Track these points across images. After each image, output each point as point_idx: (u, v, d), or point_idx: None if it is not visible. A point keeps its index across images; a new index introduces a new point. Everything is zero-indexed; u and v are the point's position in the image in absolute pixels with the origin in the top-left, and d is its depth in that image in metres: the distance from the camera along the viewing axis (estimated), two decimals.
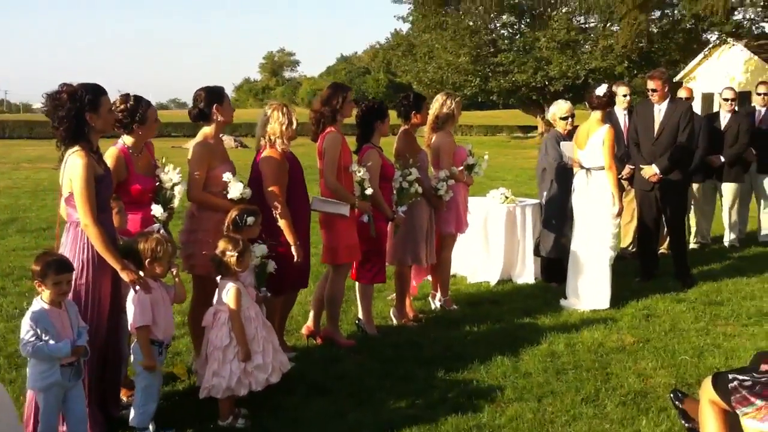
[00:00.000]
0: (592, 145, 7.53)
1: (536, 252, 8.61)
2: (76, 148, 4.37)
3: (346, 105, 6.22)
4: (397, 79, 72.11)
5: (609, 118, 8.11)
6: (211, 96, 5.52)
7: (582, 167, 7.68)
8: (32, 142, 39.50)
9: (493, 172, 23.40)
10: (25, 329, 4.08)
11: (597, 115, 7.64)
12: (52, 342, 4.04)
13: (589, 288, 7.60)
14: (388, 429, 4.67)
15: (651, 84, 8.48)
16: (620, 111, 9.52)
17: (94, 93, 4.40)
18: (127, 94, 5.14)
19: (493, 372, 5.68)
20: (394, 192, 6.69)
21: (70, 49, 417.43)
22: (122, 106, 5.03)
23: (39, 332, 4.05)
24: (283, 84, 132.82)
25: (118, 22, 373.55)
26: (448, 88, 41.19)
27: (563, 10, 43.40)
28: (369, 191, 6.24)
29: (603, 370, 5.73)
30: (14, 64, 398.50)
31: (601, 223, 7.58)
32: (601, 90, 7.66)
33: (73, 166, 4.33)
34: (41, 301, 4.13)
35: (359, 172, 6.20)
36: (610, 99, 7.74)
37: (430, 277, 7.76)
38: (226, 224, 5.08)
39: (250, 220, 5.07)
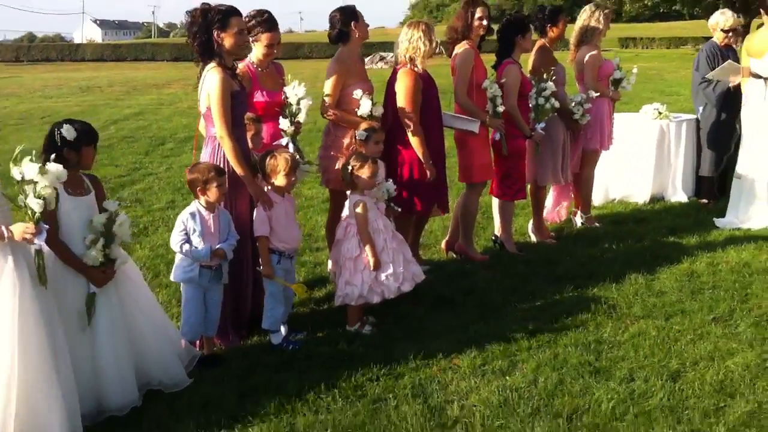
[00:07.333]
0: None
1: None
2: (213, 64, 4.66)
3: (475, 21, 6.16)
4: None
5: None
6: (347, 15, 5.67)
7: (759, 77, 7.15)
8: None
9: (668, 86, 22.23)
10: (178, 225, 4.55)
11: None
12: (196, 241, 4.48)
13: (756, 206, 7.22)
14: (508, 341, 4.78)
15: None
16: None
17: (224, 13, 4.64)
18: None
19: (624, 290, 5.61)
20: (531, 109, 6.59)
21: None
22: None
23: (188, 230, 4.50)
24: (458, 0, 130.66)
25: None
26: None
27: None
28: (501, 108, 6.20)
29: (743, 290, 5.50)
30: None
31: None
32: None
33: (210, 81, 4.63)
34: (198, 204, 4.58)
35: (491, 88, 6.16)
36: None
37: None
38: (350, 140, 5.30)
39: (360, 134, 5.25)
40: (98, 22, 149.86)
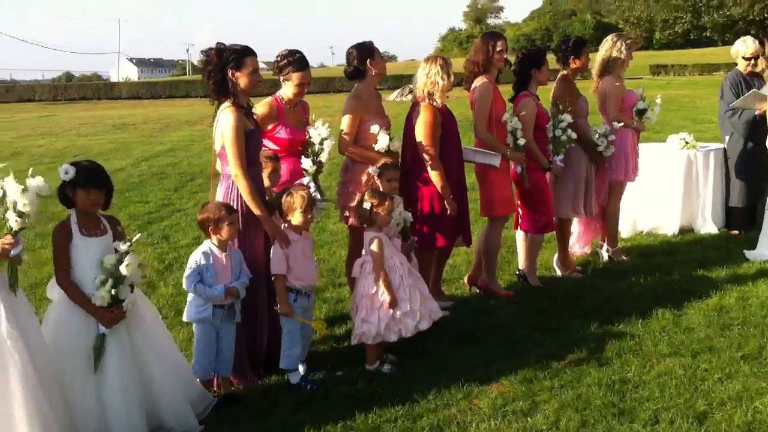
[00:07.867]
0: None
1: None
2: (227, 104, 4.69)
3: (495, 54, 6.14)
4: (604, 20, 69.06)
5: None
6: (363, 52, 5.68)
7: None
8: None
9: (700, 114, 21.92)
10: (190, 265, 4.52)
11: None
12: (209, 280, 4.45)
13: None
14: (530, 380, 4.67)
15: None
16: None
17: (239, 53, 4.69)
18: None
19: (651, 326, 5.47)
20: (549, 141, 6.52)
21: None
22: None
23: (201, 269, 4.47)
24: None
25: None
26: (657, 26, 39.02)
27: None
28: (521, 141, 6.15)
29: None
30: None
31: None
32: None
33: (225, 120, 4.65)
34: (210, 243, 4.56)
35: (511, 121, 6.11)
36: None
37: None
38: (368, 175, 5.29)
39: (373, 170, 5.25)
40: (134, 60, 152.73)
